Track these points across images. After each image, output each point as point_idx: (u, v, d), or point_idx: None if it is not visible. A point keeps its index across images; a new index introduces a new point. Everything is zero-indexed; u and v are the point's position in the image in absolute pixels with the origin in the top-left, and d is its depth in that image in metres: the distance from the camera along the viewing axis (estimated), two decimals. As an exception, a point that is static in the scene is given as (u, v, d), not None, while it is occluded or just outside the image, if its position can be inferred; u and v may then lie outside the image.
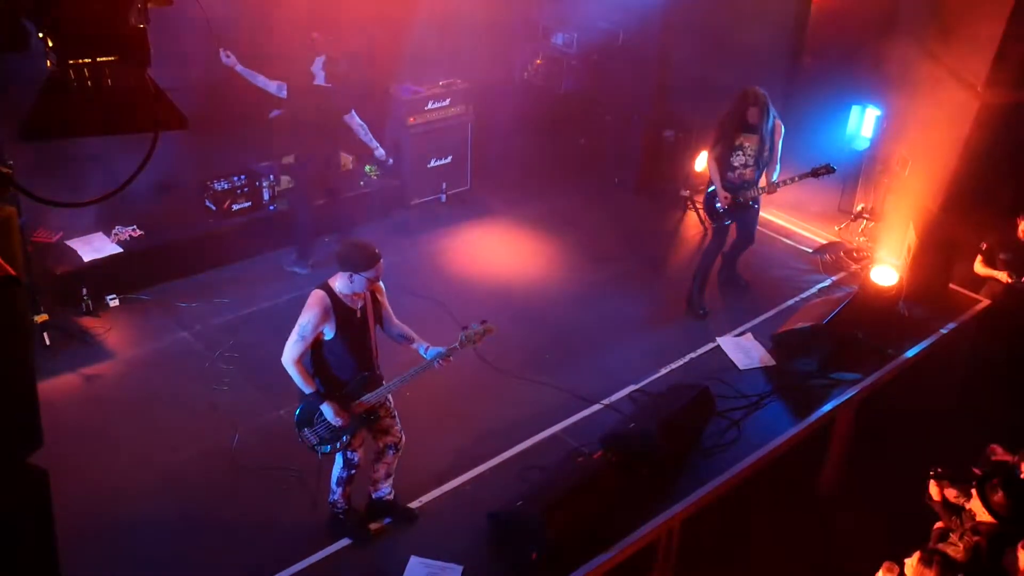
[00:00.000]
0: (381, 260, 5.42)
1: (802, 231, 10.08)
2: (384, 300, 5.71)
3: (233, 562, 5.84)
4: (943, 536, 5.85)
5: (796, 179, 8.19)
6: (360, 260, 5.34)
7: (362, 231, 9.42)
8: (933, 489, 6.15)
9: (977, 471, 6.11)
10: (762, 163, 8.19)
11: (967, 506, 5.85)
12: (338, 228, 9.22)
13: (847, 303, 8.07)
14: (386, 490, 6.12)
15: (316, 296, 5.45)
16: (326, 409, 5.54)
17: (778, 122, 8.15)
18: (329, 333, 5.46)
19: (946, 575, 5.31)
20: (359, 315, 5.53)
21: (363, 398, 5.63)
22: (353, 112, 8.69)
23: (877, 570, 5.68)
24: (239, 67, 8.37)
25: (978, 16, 8.34)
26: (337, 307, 5.43)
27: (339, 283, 5.42)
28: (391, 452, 5.95)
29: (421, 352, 5.66)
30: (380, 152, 9.00)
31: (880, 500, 7.54)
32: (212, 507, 6.23)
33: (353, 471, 5.91)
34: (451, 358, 5.60)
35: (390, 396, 5.84)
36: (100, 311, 8.16)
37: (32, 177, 6.97)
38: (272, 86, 8.45)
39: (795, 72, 10.33)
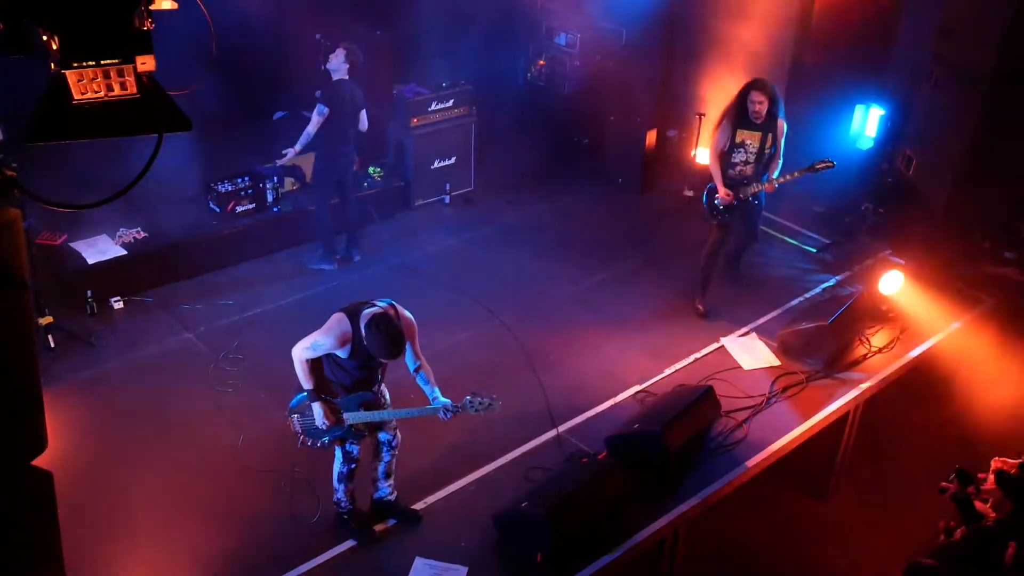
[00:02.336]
0: (391, 360, 5.40)
1: (806, 230, 10.06)
2: (414, 341, 5.60)
3: (238, 563, 5.85)
4: (948, 533, 5.84)
5: (796, 175, 8.10)
6: (374, 347, 5.26)
7: (366, 232, 9.43)
8: (955, 486, 6.12)
9: (998, 462, 6.06)
10: (764, 160, 8.13)
11: (982, 508, 5.83)
12: (351, 225, 9.22)
13: (852, 303, 8.06)
14: (386, 490, 6.12)
15: (339, 325, 5.38)
16: (316, 409, 5.57)
17: (781, 120, 8.09)
18: (343, 354, 5.46)
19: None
20: (375, 361, 5.51)
21: (351, 415, 5.64)
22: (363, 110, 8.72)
23: (881, 570, 5.68)
24: (297, 148, 8.51)
25: (983, 13, 8.32)
26: (356, 338, 5.37)
27: (364, 326, 5.33)
28: (385, 451, 5.96)
29: (428, 396, 5.63)
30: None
31: (884, 500, 7.54)
32: (217, 509, 6.24)
33: (353, 465, 5.91)
34: (454, 414, 5.55)
35: (387, 394, 5.85)
36: (104, 313, 8.18)
37: (37, 180, 6.98)
38: (315, 120, 8.41)
39: (798, 71, 10.30)
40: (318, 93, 8.81)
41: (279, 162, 8.64)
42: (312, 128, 8.43)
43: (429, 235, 9.86)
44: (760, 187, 8.15)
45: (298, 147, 8.53)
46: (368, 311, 5.33)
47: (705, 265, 8.59)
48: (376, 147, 10.21)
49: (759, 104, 7.87)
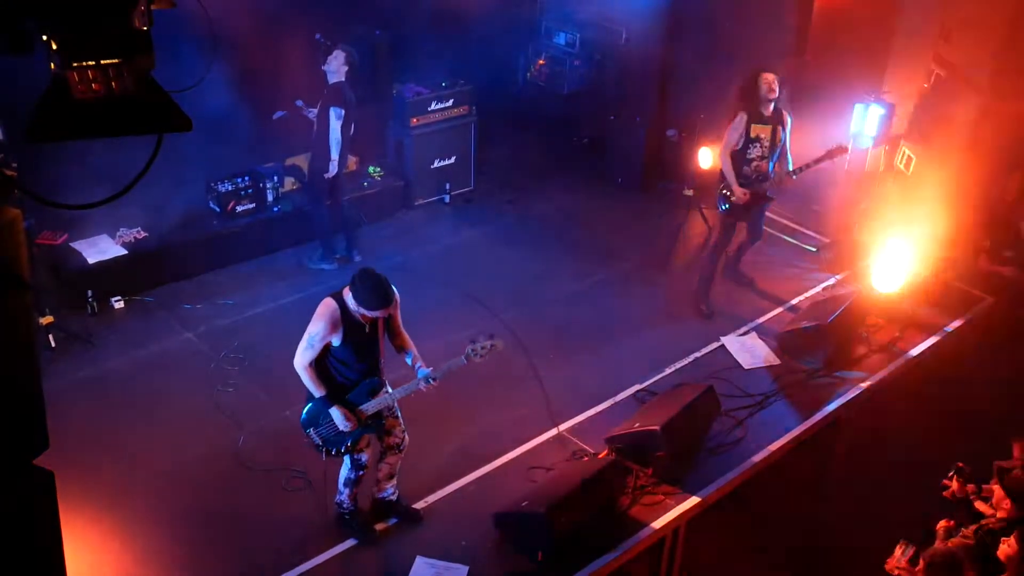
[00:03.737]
0: (388, 307, 5.38)
1: (806, 230, 10.06)
2: (397, 314, 5.64)
3: (239, 563, 5.85)
4: (949, 534, 5.84)
5: (812, 164, 8.08)
6: (366, 299, 5.30)
7: (366, 232, 9.43)
8: (955, 484, 6.13)
9: (1000, 464, 6.07)
10: (775, 153, 8.09)
11: (982, 507, 5.83)
12: (349, 224, 9.21)
13: (851, 302, 8.06)
14: (390, 491, 6.12)
15: (326, 307, 5.42)
16: (335, 413, 5.55)
17: (785, 112, 8.08)
18: (336, 341, 5.46)
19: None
20: (368, 329, 5.51)
21: (364, 405, 5.64)
22: None
23: (880, 567, 5.68)
24: (335, 156, 8.49)
25: (982, 14, 8.33)
26: (346, 318, 5.41)
27: (350, 299, 5.40)
28: (393, 453, 5.95)
29: (418, 372, 5.65)
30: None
31: (884, 500, 7.53)
32: (218, 508, 6.25)
33: (361, 472, 5.92)
34: (435, 382, 5.57)
35: (388, 384, 5.84)
36: (105, 313, 8.18)
37: (37, 179, 7.00)
38: (336, 125, 8.39)
39: (799, 70, 10.31)
40: (299, 102, 8.81)
41: (327, 175, 8.64)
42: (337, 133, 8.41)
43: (429, 234, 9.86)
44: (776, 181, 8.10)
45: (335, 155, 8.51)
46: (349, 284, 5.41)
47: (707, 266, 8.57)
48: (376, 147, 10.20)
49: (772, 85, 7.81)
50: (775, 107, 7.98)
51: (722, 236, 8.50)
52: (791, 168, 8.13)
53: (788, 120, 8.09)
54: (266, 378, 7.31)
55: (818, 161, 8.08)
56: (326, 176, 8.63)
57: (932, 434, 7.77)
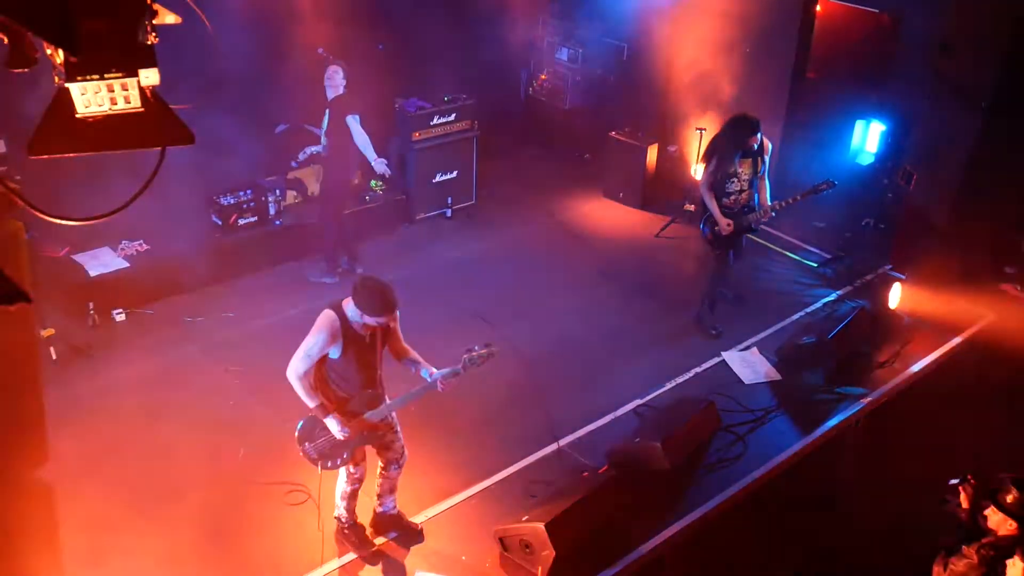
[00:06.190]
0: (392, 313, 5.37)
1: (807, 245, 10.08)
2: (396, 325, 5.64)
3: (238, 576, 5.85)
4: (949, 552, 5.81)
5: (798, 198, 8.10)
6: (370, 305, 5.30)
7: (368, 246, 9.45)
8: (964, 495, 6.09)
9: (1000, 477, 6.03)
10: (755, 184, 8.11)
11: (984, 524, 5.80)
12: (352, 239, 9.25)
13: (852, 318, 8.06)
14: (390, 505, 6.12)
15: (326, 318, 5.41)
16: (331, 422, 5.53)
17: (766, 140, 8.10)
18: (335, 353, 5.46)
19: None
20: (367, 340, 5.52)
21: (364, 416, 5.63)
22: None
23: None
24: (375, 156, 8.63)
25: (983, 29, 8.36)
26: (346, 330, 5.40)
27: (350, 310, 5.40)
28: (393, 468, 5.95)
29: (424, 376, 5.61)
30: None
31: (885, 515, 7.51)
32: (218, 521, 6.23)
33: (357, 485, 5.91)
34: (453, 380, 5.55)
35: (393, 412, 5.83)
36: (106, 326, 8.18)
37: (39, 192, 7.01)
38: (359, 129, 8.51)
39: (799, 87, 10.34)
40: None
41: (381, 170, 8.78)
42: (364, 135, 8.52)
43: (431, 249, 9.87)
44: (762, 216, 8.12)
45: (373, 155, 8.64)
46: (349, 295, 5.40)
47: (710, 289, 8.56)
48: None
49: (755, 142, 7.89)
50: (759, 140, 7.97)
51: (717, 266, 8.50)
52: (770, 201, 8.11)
53: (769, 148, 8.09)
54: (267, 391, 7.28)
55: (803, 196, 8.07)
56: (379, 173, 8.80)
57: (934, 448, 7.75)
